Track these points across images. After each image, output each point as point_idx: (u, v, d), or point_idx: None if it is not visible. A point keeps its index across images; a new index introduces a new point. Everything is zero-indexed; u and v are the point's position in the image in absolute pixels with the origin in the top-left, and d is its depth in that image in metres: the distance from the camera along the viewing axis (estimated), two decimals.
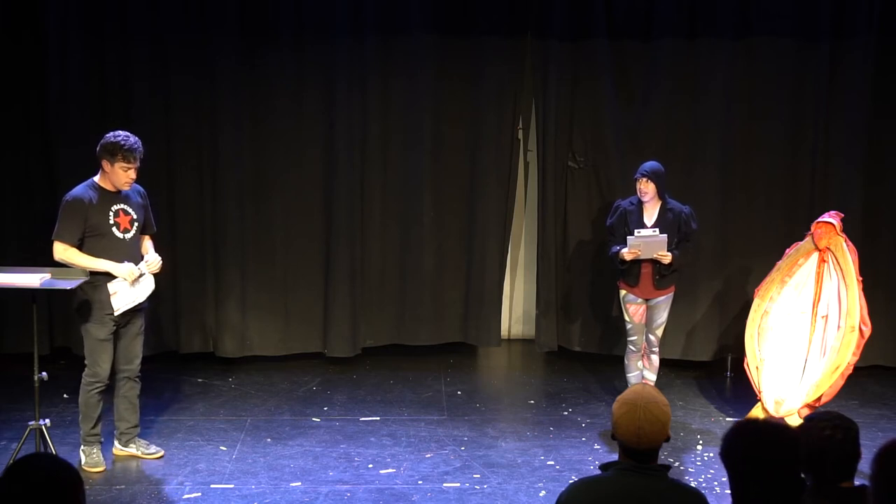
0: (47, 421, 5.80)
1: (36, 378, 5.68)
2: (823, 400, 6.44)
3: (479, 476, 6.00)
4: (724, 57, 7.75)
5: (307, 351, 8.15)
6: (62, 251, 5.72)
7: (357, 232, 7.99)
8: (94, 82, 7.67)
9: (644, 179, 6.62)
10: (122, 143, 5.71)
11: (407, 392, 7.57)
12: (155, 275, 5.99)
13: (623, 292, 6.81)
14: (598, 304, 8.09)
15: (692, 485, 4.58)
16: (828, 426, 3.35)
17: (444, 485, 5.86)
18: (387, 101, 7.93)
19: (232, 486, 5.80)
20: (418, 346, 8.29)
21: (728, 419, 7.07)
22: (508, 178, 8.07)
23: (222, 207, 7.84)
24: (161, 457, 6.17)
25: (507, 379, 8.30)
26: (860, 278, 6.41)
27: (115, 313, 5.80)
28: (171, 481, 5.84)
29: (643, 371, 6.89)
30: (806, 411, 6.30)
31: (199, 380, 7.75)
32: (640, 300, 6.75)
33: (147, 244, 6.12)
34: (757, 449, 2.98)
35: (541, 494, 5.74)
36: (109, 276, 5.76)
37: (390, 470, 6.06)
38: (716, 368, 8.10)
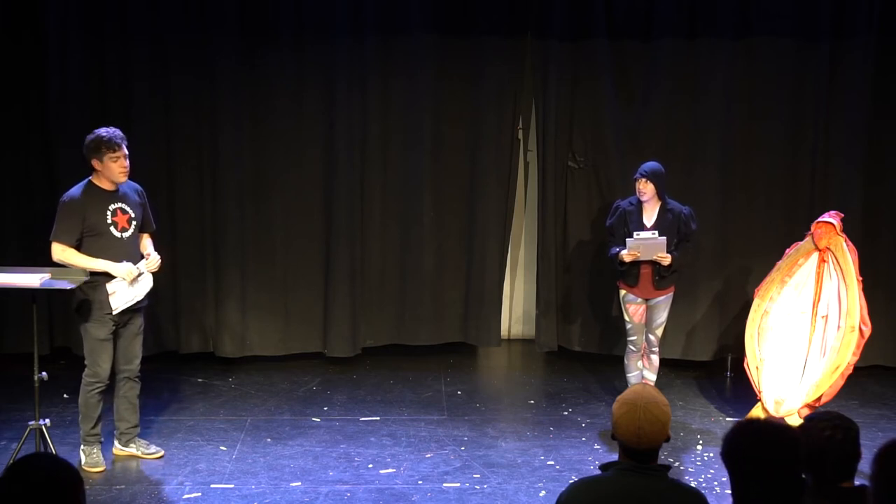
0: (47, 421, 5.79)
1: (36, 378, 5.68)
2: (823, 400, 6.44)
3: (479, 476, 6.00)
4: (724, 57, 7.75)
5: (307, 351, 8.15)
6: (60, 252, 5.72)
7: (357, 232, 7.99)
8: (94, 82, 7.67)
9: (643, 180, 6.62)
10: (103, 135, 5.74)
11: (407, 392, 7.57)
12: (154, 273, 5.98)
13: (623, 292, 6.81)
14: (598, 304, 8.09)
15: (692, 485, 4.58)
16: (828, 426, 3.35)
17: (444, 485, 5.86)
18: (387, 101, 7.93)
19: (232, 486, 5.80)
20: (418, 346, 8.29)
21: (728, 419, 7.07)
22: (508, 178, 8.07)
23: (222, 207, 7.84)
24: (161, 457, 6.17)
25: (507, 379, 8.30)
26: (860, 278, 6.41)
27: (114, 312, 5.80)
28: (171, 481, 5.84)
29: (643, 371, 6.89)
30: (806, 411, 6.30)
31: (199, 380, 7.75)
32: (639, 300, 6.75)
33: (146, 242, 6.11)
34: (758, 449, 2.98)
35: (541, 494, 5.74)
36: (108, 276, 5.76)
37: (390, 470, 6.06)
38: (716, 368, 8.10)
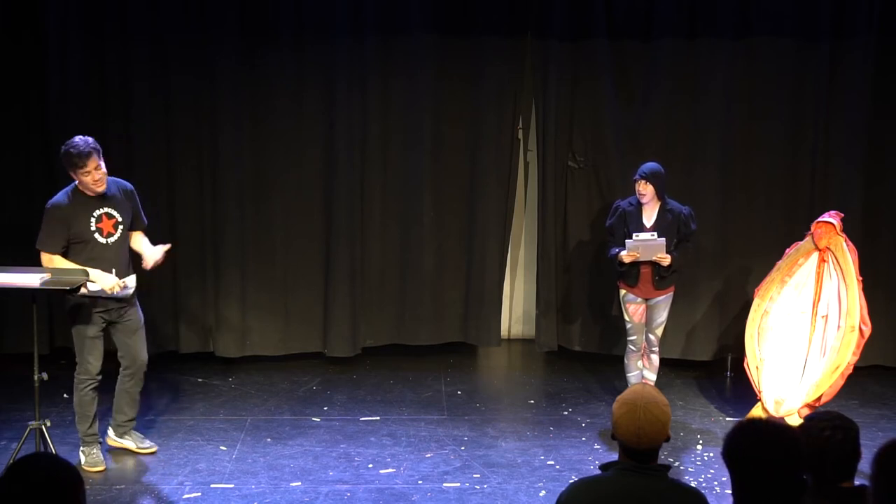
0: (47, 421, 5.79)
1: (36, 378, 5.68)
2: (823, 400, 6.44)
3: (479, 476, 6.00)
4: (724, 57, 7.75)
5: (307, 351, 8.15)
6: (48, 261, 5.70)
7: (357, 232, 7.99)
8: (94, 82, 7.67)
9: (642, 181, 6.62)
10: (72, 150, 5.59)
11: (407, 392, 7.57)
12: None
13: (623, 292, 6.82)
14: (598, 303, 8.09)
15: (692, 485, 4.58)
16: (828, 426, 3.35)
17: (444, 485, 5.86)
18: (387, 101, 7.93)
19: (232, 486, 5.80)
20: (418, 346, 8.29)
21: (728, 419, 7.07)
22: (508, 178, 8.07)
23: (222, 207, 7.84)
24: (154, 452, 6.19)
25: (507, 379, 8.30)
26: (860, 278, 6.41)
27: (87, 291, 5.71)
28: (171, 481, 5.85)
29: (643, 371, 6.89)
30: (806, 411, 6.31)
31: (199, 380, 7.75)
32: (639, 300, 6.76)
33: (142, 241, 6.05)
34: (758, 449, 2.98)
35: (541, 494, 5.74)
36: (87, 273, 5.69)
37: (390, 470, 6.06)
38: (716, 368, 8.10)
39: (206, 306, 7.97)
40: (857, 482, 3.36)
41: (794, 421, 6.38)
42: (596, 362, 8.19)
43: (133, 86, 7.64)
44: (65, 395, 6.99)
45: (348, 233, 7.95)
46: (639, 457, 3.27)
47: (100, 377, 5.95)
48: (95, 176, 5.67)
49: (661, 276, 6.67)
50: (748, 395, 6.89)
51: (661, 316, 6.80)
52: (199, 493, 5.68)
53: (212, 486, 5.79)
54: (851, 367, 6.39)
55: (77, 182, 5.74)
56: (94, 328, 5.85)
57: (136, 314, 6.03)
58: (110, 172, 5.88)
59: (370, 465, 6.12)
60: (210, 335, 8.03)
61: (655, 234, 6.61)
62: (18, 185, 7.79)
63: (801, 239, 6.70)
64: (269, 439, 6.53)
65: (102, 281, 5.70)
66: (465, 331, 8.28)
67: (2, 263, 5.78)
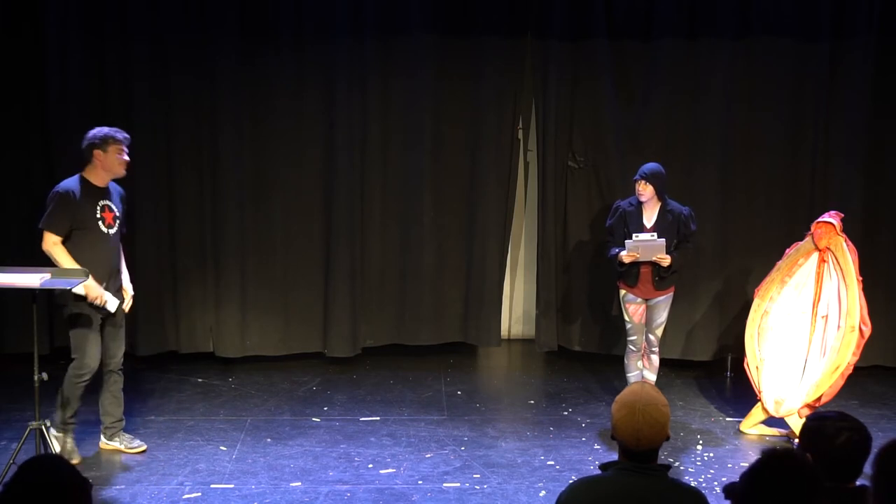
0: (47, 421, 5.78)
1: (36, 378, 5.67)
2: (823, 400, 6.44)
3: (479, 476, 6.00)
4: (724, 57, 7.76)
5: (307, 351, 8.15)
6: (52, 244, 5.77)
7: (357, 232, 7.99)
8: (94, 82, 7.68)
9: (642, 182, 6.62)
10: (115, 133, 5.88)
11: (407, 392, 7.57)
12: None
13: (623, 292, 6.82)
14: (598, 303, 8.09)
15: (692, 485, 4.58)
16: (844, 428, 3.34)
17: (444, 485, 5.86)
18: (387, 101, 7.93)
19: (232, 486, 5.80)
20: (418, 346, 8.29)
21: (728, 419, 7.06)
22: (508, 178, 8.07)
23: (222, 207, 7.84)
24: (144, 451, 6.20)
25: (507, 379, 8.30)
26: (860, 278, 6.41)
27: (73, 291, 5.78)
28: (170, 481, 5.84)
29: (643, 371, 6.89)
30: (806, 411, 6.31)
31: (199, 380, 7.75)
32: (639, 300, 6.76)
33: (122, 264, 6.14)
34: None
35: (541, 494, 5.74)
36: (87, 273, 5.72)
37: (390, 470, 6.06)
38: (716, 368, 8.10)
39: (206, 306, 7.97)
40: (857, 482, 3.36)
41: (794, 421, 6.39)
42: (596, 362, 8.20)
43: (133, 86, 7.65)
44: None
45: (348, 233, 7.95)
46: (638, 457, 3.27)
47: (94, 370, 5.99)
48: (126, 158, 5.92)
49: (660, 277, 6.68)
50: (748, 395, 6.89)
51: (661, 316, 6.80)
52: (199, 493, 5.68)
53: (212, 486, 5.79)
54: (851, 367, 6.39)
55: (86, 171, 5.87)
56: (96, 323, 5.95)
57: (122, 313, 6.13)
58: None
59: (370, 466, 6.12)
60: (210, 335, 8.03)
61: (655, 234, 6.61)
62: (18, 184, 7.78)
63: (801, 239, 6.70)
64: (269, 439, 6.53)
65: (92, 291, 5.79)
66: (465, 331, 8.28)
67: (2, 263, 5.78)
